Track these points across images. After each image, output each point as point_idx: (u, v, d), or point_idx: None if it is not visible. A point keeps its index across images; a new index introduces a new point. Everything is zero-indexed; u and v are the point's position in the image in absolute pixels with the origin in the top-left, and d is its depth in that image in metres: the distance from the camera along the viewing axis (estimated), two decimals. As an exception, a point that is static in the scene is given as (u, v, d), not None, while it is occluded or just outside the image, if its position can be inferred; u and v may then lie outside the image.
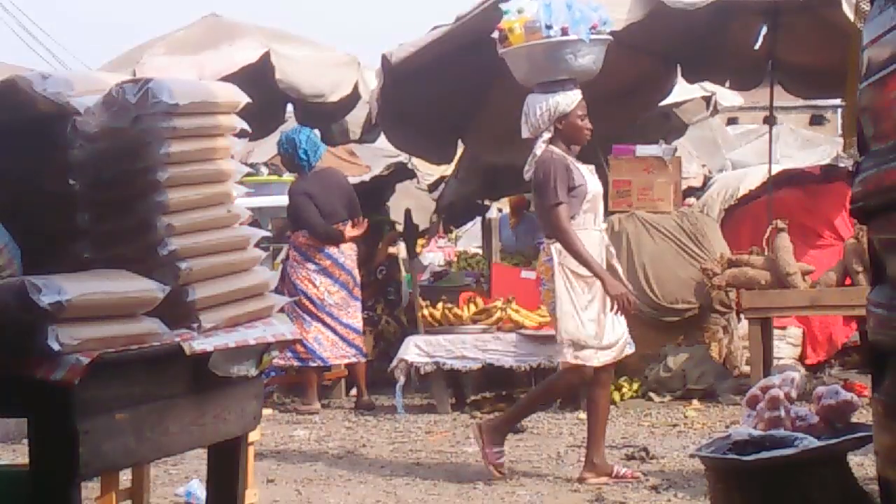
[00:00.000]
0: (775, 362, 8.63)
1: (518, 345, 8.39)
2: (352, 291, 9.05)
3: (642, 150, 9.54)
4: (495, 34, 6.26)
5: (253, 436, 3.98)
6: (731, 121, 23.89)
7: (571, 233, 5.79)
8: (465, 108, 10.74)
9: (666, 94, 11.01)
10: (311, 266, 8.90)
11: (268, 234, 4.05)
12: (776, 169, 10.15)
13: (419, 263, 12.34)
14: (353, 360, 9.06)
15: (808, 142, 20.43)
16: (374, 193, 13.02)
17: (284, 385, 9.77)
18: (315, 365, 8.94)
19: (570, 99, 6.09)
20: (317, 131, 10.08)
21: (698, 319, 9.16)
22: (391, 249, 11.93)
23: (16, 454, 6.67)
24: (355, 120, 11.77)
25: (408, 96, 9.80)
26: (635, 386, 8.88)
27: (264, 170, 14.50)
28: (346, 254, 9.00)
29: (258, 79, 9.80)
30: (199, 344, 3.25)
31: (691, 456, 5.89)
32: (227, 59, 9.90)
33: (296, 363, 8.95)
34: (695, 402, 8.40)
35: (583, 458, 6.39)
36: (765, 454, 3.55)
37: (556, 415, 8.10)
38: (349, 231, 8.97)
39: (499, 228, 13.77)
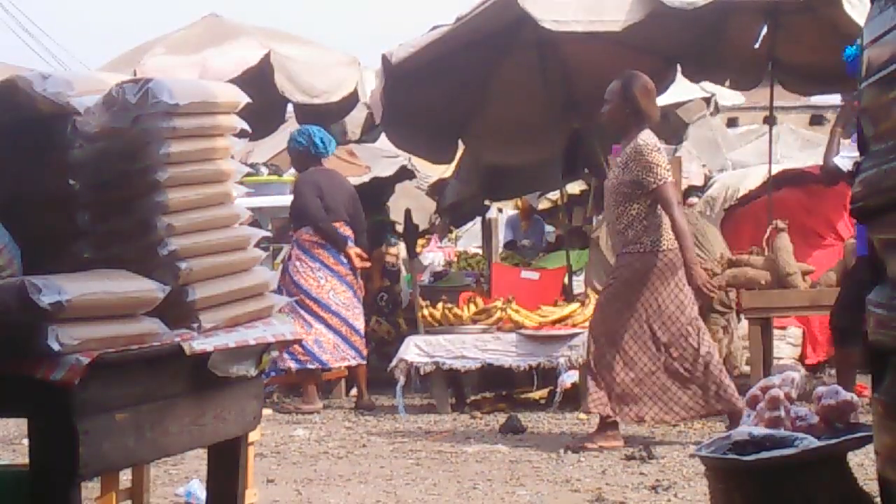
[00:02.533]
0: (775, 362, 8.64)
1: (518, 345, 8.39)
2: (356, 292, 9.02)
3: (642, 150, 9.52)
4: None
5: (253, 436, 3.98)
6: (731, 122, 23.89)
7: None
8: (465, 108, 10.76)
9: (663, 90, 11.02)
10: (315, 264, 8.83)
11: (268, 234, 4.05)
12: (776, 169, 10.16)
13: (419, 263, 12.36)
14: (353, 362, 9.00)
15: (808, 142, 20.39)
16: (374, 193, 13.02)
17: (284, 385, 9.76)
18: (314, 367, 8.89)
19: None
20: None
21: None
22: (391, 251, 11.94)
23: (16, 454, 6.67)
24: (355, 120, 11.79)
25: (408, 96, 9.81)
26: (635, 386, 8.87)
27: (264, 170, 14.50)
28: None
29: (258, 79, 9.81)
30: (199, 344, 3.25)
31: (691, 456, 5.90)
32: (228, 61, 9.90)
33: (294, 366, 8.85)
34: (695, 402, 8.39)
35: (582, 459, 6.41)
36: (765, 454, 3.54)
37: (556, 415, 8.11)
38: (355, 257, 8.93)
39: (511, 229, 13.88)
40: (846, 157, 7.38)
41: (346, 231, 8.98)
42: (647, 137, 6.68)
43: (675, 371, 6.71)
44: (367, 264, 9.21)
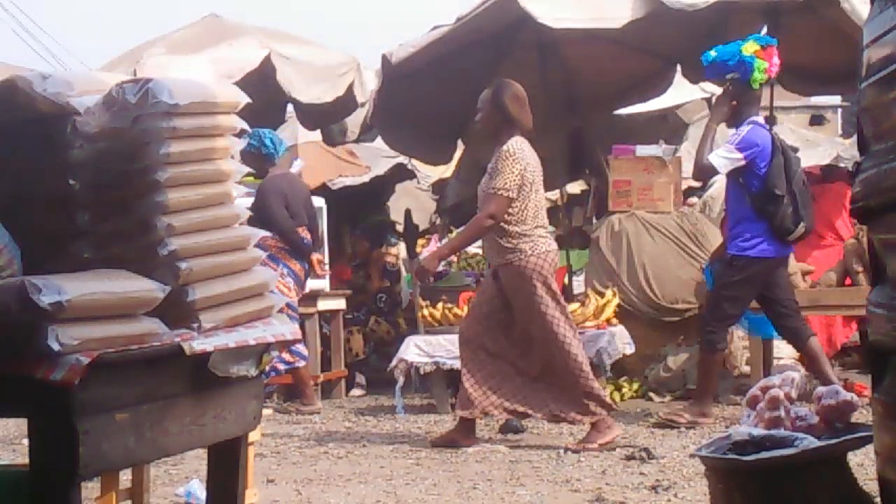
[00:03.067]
0: (775, 362, 8.63)
1: (518, 345, 8.37)
2: (301, 291, 9.06)
3: (642, 150, 9.55)
4: None
5: (253, 436, 3.98)
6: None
7: None
8: (465, 108, 10.73)
9: (662, 91, 11.03)
10: (283, 269, 8.75)
11: (267, 234, 4.05)
12: (776, 169, 10.13)
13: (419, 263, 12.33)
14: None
15: (808, 142, 20.40)
16: (374, 193, 13.02)
17: (284, 386, 9.75)
18: (301, 365, 8.89)
19: None
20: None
21: (698, 319, 9.16)
22: (391, 251, 11.93)
23: (16, 454, 6.67)
24: (355, 120, 11.78)
25: (407, 96, 9.81)
26: (635, 386, 8.88)
27: (264, 170, 14.47)
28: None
29: (259, 79, 9.82)
30: (199, 344, 3.25)
31: (691, 456, 5.90)
32: (230, 64, 9.90)
33: (282, 367, 8.79)
34: (695, 402, 8.38)
35: (582, 459, 6.41)
36: (765, 454, 3.54)
37: (556, 415, 8.10)
38: (317, 264, 8.94)
39: None
40: (723, 156, 7.37)
41: (306, 234, 8.96)
42: (511, 144, 6.79)
43: (531, 373, 6.86)
44: (327, 271, 9.24)
